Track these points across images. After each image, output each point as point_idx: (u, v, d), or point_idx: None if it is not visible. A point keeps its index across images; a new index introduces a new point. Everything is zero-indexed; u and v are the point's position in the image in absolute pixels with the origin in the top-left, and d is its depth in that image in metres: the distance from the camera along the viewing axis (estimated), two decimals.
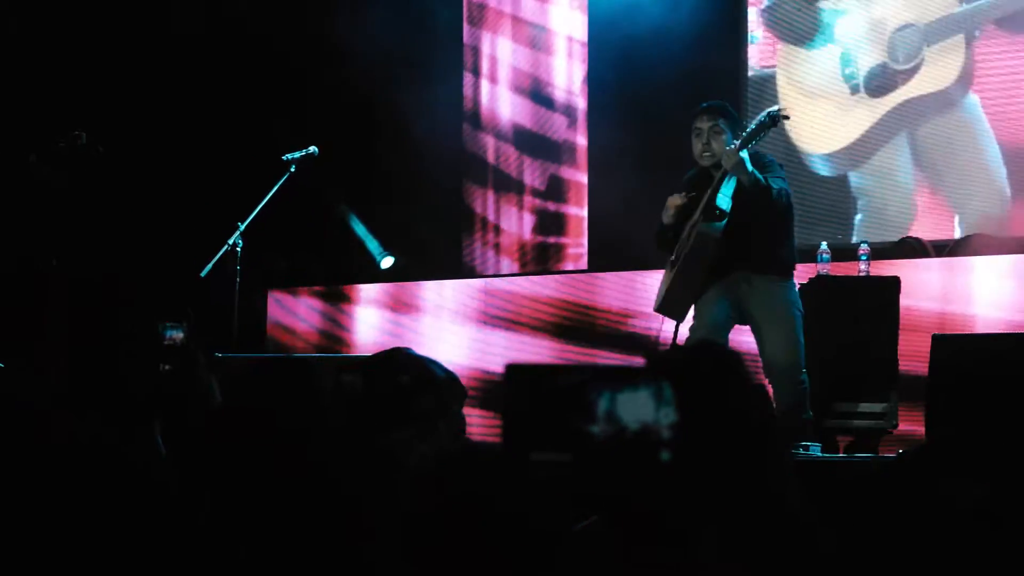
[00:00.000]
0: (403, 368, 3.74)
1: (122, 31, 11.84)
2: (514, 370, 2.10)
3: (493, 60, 12.54)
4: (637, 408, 2.10)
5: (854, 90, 10.97)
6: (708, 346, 2.40)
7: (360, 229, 9.96)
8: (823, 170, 11.07)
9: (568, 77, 12.22)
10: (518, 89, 12.39)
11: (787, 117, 7.56)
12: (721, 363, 2.21)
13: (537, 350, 10.77)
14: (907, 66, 10.76)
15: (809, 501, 2.34)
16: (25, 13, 11.92)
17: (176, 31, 11.78)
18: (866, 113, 10.89)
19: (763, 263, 7.55)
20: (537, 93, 12.30)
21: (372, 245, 11.27)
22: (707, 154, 7.62)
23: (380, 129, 11.98)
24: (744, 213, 7.42)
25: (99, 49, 11.76)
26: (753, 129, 7.46)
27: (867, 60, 10.93)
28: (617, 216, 10.75)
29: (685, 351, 2.51)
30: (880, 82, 10.87)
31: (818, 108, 11.04)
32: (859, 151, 10.93)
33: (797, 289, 7.75)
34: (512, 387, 2.08)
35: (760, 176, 7.34)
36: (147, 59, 11.84)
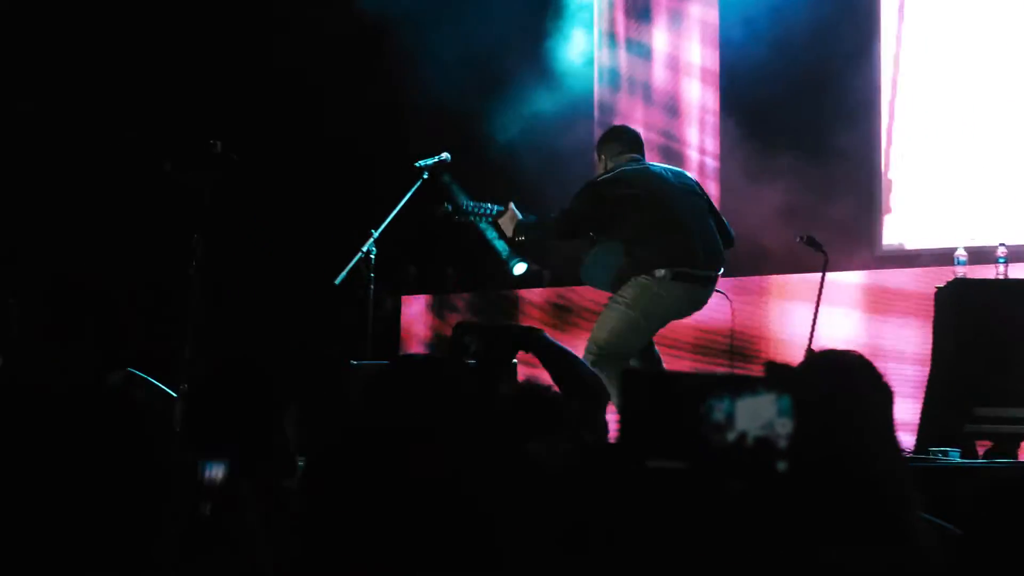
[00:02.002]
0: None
1: (258, 41, 11.97)
2: (631, 376, 2.08)
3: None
4: (756, 416, 2.07)
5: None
6: (828, 355, 2.36)
7: (492, 236, 9.96)
8: (960, 170, 10.91)
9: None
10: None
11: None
12: (841, 373, 2.18)
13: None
14: None
15: (928, 516, 2.30)
16: (167, 24, 12.10)
17: (308, 38, 11.89)
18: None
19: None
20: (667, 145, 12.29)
21: (504, 251, 11.27)
22: None
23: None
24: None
25: (235, 56, 11.90)
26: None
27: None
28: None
29: (806, 361, 2.47)
30: None
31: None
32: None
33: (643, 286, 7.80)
34: (629, 394, 2.07)
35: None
36: (283, 67, 11.95)
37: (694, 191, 8.20)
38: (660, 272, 7.78)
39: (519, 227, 8.44)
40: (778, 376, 2.13)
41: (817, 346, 7.51)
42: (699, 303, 8.05)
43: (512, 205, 8.54)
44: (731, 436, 2.08)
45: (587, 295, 11.25)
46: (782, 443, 1.98)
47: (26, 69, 11.80)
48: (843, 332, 9.76)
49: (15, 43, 11.85)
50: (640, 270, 7.86)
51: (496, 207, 8.60)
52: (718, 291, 8.25)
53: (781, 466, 1.98)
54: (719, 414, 2.08)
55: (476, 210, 8.66)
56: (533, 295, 11.68)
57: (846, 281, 10.12)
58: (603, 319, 7.94)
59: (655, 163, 8.65)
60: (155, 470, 2.94)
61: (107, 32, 12.18)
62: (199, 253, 8.95)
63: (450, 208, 8.75)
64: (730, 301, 9.25)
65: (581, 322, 11.40)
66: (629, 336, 7.85)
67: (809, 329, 8.86)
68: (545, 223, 8.29)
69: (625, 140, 8.43)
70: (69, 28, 12.07)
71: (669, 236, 7.82)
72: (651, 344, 8.18)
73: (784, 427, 2.00)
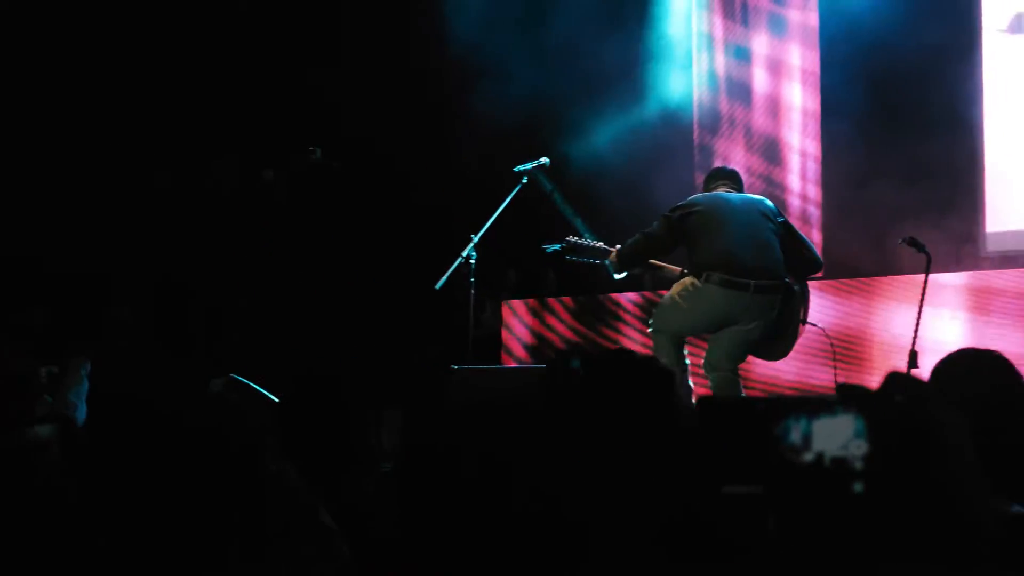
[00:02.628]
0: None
1: (354, 47, 12.06)
2: (706, 403, 2.09)
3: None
4: (833, 436, 2.08)
5: None
6: (901, 378, 2.35)
7: (591, 240, 9.95)
8: None
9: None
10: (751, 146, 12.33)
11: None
12: (915, 396, 2.17)
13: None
14: None
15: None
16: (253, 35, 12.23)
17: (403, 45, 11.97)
18: None
19: None
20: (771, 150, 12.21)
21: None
22: None
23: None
24: None
25: (334, 63, 12.00)
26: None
27: None
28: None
29: (886, 383, 2.46)
30: None
31: None
32: None
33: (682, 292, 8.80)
34: (704, 420, 2.08)
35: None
36: (383, 76, 12.04)
37: (760, 213, 8.89)
38: (704, 275, 8.70)
39: (622, 264, 9.12)
40: (854, 397, 2.13)
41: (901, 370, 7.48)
42: (744, 307, 8.69)
43: (615, 249, 9.08)
44: (808, 457, 2.08)
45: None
46: (858, 464, 1.98)
47: (130, 82, 11.97)
48: (946, 334, 9.68)
49: (129, 56, 12.03)
50: (692, 273, 8.80)
51: (599, 243, 9.18)
52: (812, 324, 9.09)
53: (858, 488, 1.99)
54: (796, 435, 2.09)
55: (580, 248, 9.20)
56: (632, 299, 11.67)
57: (950, 282, 10.03)
58: (660, 305, 9.06)
59: (733, 192, 9.11)
60: (248, 475, 3.00)
61: (213, 42, 12.34)
62: (301, 259, 9.06)
63: (559, 247, 9.19)
64: (830, 341, 9.36)
65: None
66: (676, 318, 8.78)
67: (912, 330, 8.79)
68: (635, 251, 9.04)
69: (714, 177, 9.32)
70: (178, 38, 12.24)
71: (715, 246, 8.72)
72: (683, 352, 8.90)
73: (859, 448, 2.00)
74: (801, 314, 9.00)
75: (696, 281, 8.76)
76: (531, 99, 11.90)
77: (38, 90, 11.71)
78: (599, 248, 9.15)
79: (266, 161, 9.62)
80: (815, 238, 11.89)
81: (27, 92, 11.68)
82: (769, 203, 9.04)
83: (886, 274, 10.53)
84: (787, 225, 9.00)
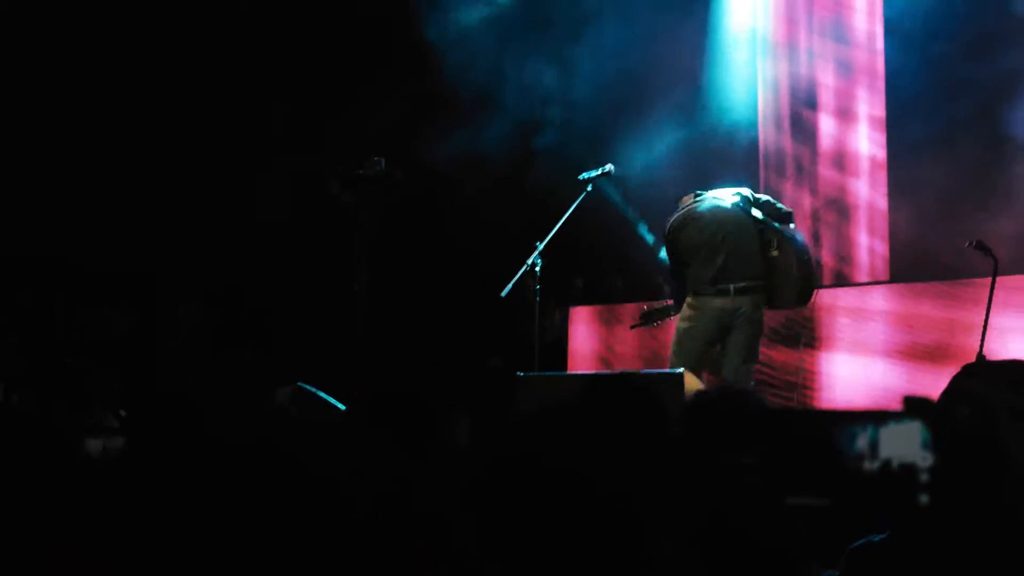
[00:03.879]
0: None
1: (418, 57, 12.10)
2: (768, 416, 2.08)
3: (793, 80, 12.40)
4: (899, 446, 2.07)
5: None
6: (964, 393, 2.33)
7: (647, 237, 9.97)
8: None
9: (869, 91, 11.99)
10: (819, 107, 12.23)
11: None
12: (981, 410, 2.15)
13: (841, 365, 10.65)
14: None
15: None
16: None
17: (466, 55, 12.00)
18: None
19: None
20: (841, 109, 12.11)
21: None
22: None
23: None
24: None
25: (397, 75, 12.05)
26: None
27: None
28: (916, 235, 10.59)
29: (950, 397, 2.43)
30: None
31: None
32: None
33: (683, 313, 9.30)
34: (768, 435, 2.06)
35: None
36: (445, 84, 12.08)
37: (729, 215, 9.34)
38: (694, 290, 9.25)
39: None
40: (919, 410, 2.11)
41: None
42: (729, 310, 9.19)
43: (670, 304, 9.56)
44: (874, 465, 2.07)
45: None
46: (923, 477, 1.97)
47: (193, 94, 12.07)
48: (1014, 337, 9.61)
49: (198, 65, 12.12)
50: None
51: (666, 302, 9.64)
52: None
53: (923, 499, 1.97)
54: (862, 443, 2.08)
55: (656, 316, 9.61)
56: None
57: (1018, 286, 9.95)
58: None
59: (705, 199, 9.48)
60: (311, 483, 3.00)
61: (279, 53, 12.43)
62: (365, 268, 9.09)
63: (642, 321, 9.59)
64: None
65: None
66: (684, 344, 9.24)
67: (980, 334, 8.76)
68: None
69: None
70: (254, 46, 12.34)
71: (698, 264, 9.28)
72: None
73: (925, 460, 1.98)
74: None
75: (690, 298, 9.24)
76: (594, 108, 11.91)
77: (107, 97, 11.82)
78: (668, 306, 9.55)
79: (331, 171, 9.67)
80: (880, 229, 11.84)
81: (95, 99, 11.79)
82: (740, 195, 9.44)
83: (953, 278, 10.46)
84: (750, 217, 9.40)
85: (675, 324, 9.36)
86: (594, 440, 2.84)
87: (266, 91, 12.39)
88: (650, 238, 10.50)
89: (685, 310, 9.28)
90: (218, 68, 12.21)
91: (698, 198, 9.46)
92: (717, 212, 9.38)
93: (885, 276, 11.88)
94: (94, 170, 11.71)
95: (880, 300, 10.67)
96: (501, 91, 12.17)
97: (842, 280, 12.06)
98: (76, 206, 11.57)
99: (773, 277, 9.31)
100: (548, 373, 9.26)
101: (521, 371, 8.41)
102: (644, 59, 11.74)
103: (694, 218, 9.33)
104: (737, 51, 12.35)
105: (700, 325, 9.20)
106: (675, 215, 9.38)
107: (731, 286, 9.21)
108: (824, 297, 10.82)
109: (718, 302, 9.20)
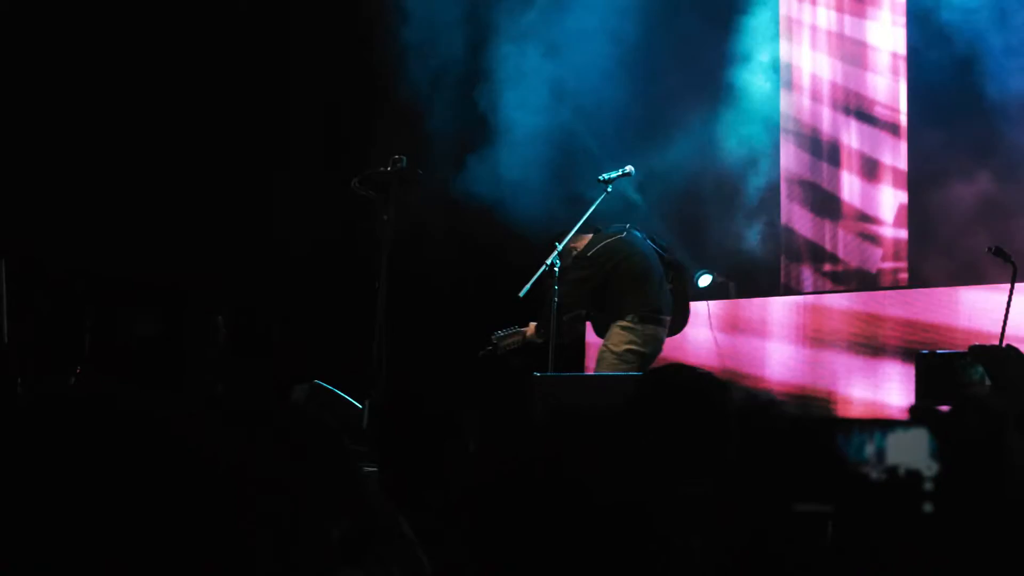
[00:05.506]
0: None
1: (438, 57, 12.11)
2: (771, 421, 2.10)
3: (812, 77, 12.34)
4: (905, 453, 2.09)
5: None
6: (975, 401, 2.34)
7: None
8: None
9: (890, 93, 11.92)
10: (836, 105, 12.15)
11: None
12: (989, 420, 2.16)
13: (861, 368, 10.67)
14: None
15: None
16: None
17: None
18: None
19: None
20: (859, 111, 12.05)
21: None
22: None
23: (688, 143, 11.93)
24: None
25: (415, 72, 12.06)
26: None
27: None
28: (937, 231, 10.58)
29: (959, 407, 2.44)
30: None
31: None
32: None
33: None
34: (767, 440, 2.08)
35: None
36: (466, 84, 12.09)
37: (650, 247, 9.53)
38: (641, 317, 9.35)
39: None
40: (926, 418, 2.13)
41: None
42: (662, 340, 9.42)
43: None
44: (880, 472, 2.09)
45: (760, 307, 11.25)
46: (927, 486, 1.99)
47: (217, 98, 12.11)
48: None
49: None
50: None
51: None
52: None
53: (927, 507, 1.99)
54: (869, 450, 2.10)
55: (509, 344, 9.57)
56: (713, 306, 11.65)
57: None
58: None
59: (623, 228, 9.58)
60: (327, 484, 3.02)
61: (298, 53, 12.47)
62: (385, 265, 9.11)
63: (493, 349, 9.51)
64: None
65: (767, 331, 11.39)
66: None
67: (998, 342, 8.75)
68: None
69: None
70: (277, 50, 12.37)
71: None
72: None
73: (930, 469, 2.01)
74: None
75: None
76: (614, 109, 11.91)
77: (125, 103, 11.86)
78: (521, 331, 9.53)
79: (353, 169, 9.70)
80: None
81: (113, 104, 11.82)
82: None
83: (971, 283, 10.44)
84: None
85: (604, 346, 9.32)
86: (640, 448, 2.84)
87: (297, 100, 12.47)
88: (671, 237, 10.51)
89: (623, 334, 9.23)
90: (254, 81, 12.26)
91: (612, 229, 9.48)
92: (644, 243, 9.50)
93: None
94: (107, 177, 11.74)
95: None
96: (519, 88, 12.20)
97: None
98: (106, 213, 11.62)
99: (673, 308, 9.52)
100: (565, 374, 9.27)
101: (537, 371, 8.43)
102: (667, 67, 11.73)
103: (633, 246, 9.38)
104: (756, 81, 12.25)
105: (649, 352, 9.28)
106: (603, 243, 9.34)
107: (667, 318, 9.39)
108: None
109: (662, 332, 9.36)
